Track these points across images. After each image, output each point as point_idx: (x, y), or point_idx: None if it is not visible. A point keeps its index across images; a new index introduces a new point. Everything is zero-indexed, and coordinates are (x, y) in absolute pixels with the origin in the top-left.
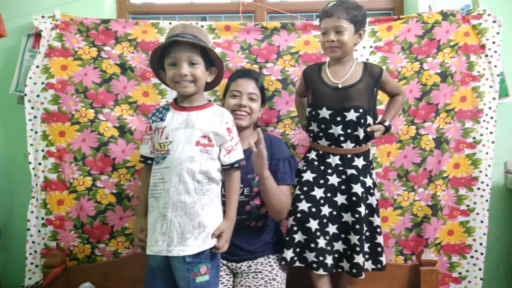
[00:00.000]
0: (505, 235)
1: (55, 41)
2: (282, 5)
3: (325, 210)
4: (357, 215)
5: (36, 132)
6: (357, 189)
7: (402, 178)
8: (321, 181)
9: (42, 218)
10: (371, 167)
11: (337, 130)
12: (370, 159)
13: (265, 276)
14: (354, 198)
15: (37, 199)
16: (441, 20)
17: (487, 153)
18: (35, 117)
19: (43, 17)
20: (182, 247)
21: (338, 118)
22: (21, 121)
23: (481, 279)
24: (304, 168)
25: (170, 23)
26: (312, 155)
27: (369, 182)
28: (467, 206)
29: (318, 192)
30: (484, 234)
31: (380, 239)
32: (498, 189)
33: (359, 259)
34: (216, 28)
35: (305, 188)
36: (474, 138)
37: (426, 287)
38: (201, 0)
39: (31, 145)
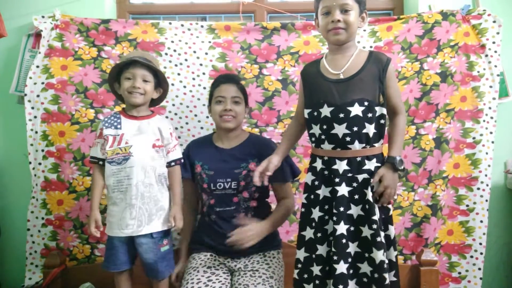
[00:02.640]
0: (505, 235)
1: (55, 41)
2: (282, 5)
3: (341, 228)
4: (374, 226)
5: (36, 132)
6: (370, 195)
7: (402, 178)
8: (337, 195)
9: (42, 218)
10: None
11: (341, 129)
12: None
13: (263, 274)
14: (367, 206)
15: (37, 199)
16: (441, 20)
17: (487, 153)
18: (35, 117)
19: (43, 17)
20: (149, 227)
21: (341, 115)
22: (21, 121)
23: (481, 278)
24: (316, 183)
25: (170, 23)
26: (319, 164)
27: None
28: (467, 206)
29: (335, 208)
30: (484, 234)
31: (392, 255)
32: (498, 189)
33: (391, 277)
34: (216, 28)
35: (326, 207)
36: (474, 138)
37: (426, 287)
38: (201, 0)
39: (31, 145)
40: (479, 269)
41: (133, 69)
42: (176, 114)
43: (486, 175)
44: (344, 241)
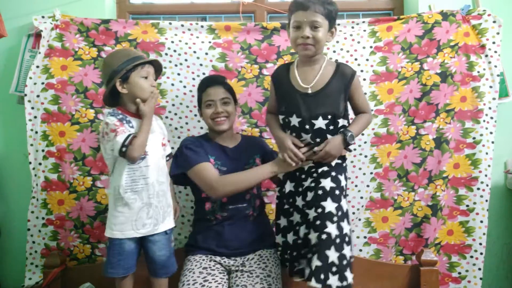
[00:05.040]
0: (505, 235)
1: (55, 41)
2: (282, 5)
3: (296, 217)
4: (319, 210)
5: (36, 132)
6: (326, 183)
7: (402, 178)
8: (300, 189)
9: (43, 218)
10: (346, 168)
11: (307, 138)
12: (346, 158)
13: (260, 274)
14: (320, 192)
15: (37, 199)
16: (441, 20)
17: (487, 153)
18: (35, 117)
19: (43, 17)
20: (163, 224)
21: (307, 126)
22: (21, 121)
23: (481, 279)
24: (284, 178)
25: (170, 23)
26: None
27: (343, 181)
28: (467, 206)
29: (299, 201)
30: (484, 234)
31: (347, 251)
32: (498, 189)
33: (315, 262)
34: (216, 28)
35: (291, 200)
36: (474, 138)
37: (426, 287)
38: (201, 0)
39: (31, 145)
40: (479, 269)
41: (148, 67)
42: (176, 114)
43: (486, 175)
44: (297, 228)
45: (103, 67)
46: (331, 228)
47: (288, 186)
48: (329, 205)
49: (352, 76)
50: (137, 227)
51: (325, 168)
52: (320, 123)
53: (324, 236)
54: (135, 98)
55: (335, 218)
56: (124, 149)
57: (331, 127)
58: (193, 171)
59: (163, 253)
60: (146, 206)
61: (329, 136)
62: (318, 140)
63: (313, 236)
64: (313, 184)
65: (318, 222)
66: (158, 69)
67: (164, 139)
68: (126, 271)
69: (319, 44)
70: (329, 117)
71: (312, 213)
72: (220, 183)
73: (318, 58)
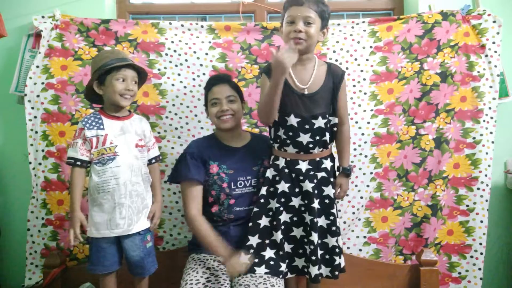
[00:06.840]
0: (505, 235)
1: (55, 41)
2: (282, 5)
3: (307, 218)
4: (331, 217)
5: (36, 132)
6: (329, 191)
7: (402, 178)
8: (297, 190)
9: (42, 218)
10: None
11: (305, 137)
12: (334, 158)
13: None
14: (327, 201)
15: (37, 199)
16: (441, 20)
17: (487, 153)
18: (35, 117)
19: (43, 17)
20: (137, 225)
21: (307, 126)
22: (21, 121)
23: (481, 279)
24: (277, 178)
25: (170, 23)
26: (281, 162)
27: (333, 181)
28: (467, 206)
29: (296, 201)
30: (484, 234)
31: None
32: (498, 189)
33: (341, 260)
34: (216, 28)
35: (283, 200)
36: (474, 138)
37: (426, 287)
38: (201, 0)
39: (31, 145)
40: (479, 269)
41: (125, 71)
42: (176, 114)
43: (486, 175)
44: (308, 229)
45: (91, 67)
46: (338, 230)
47: (282, 186)
48: (335, 211)
49: (342, 75)
50: (111, 227)
51: (324, 174)
52: (320, 122)
53: (339, 238)
54: (111, 101)
55: (338, 220)
56: (69, 161)
57: (328, 125)
58: (181, 187)
59: (136, 254)
60: (118, 206)
61: (326, 134)
62: (317, 138)
63: (331, 241)
64: (317, 192)
65: (333, 228)
66: (142, 75)
67: (141, 140)
68: (106, 269)
69: (311, 40)
70: (327, 116)
71: (323, 221)
72: (191, 222)
73: (310, 58)
